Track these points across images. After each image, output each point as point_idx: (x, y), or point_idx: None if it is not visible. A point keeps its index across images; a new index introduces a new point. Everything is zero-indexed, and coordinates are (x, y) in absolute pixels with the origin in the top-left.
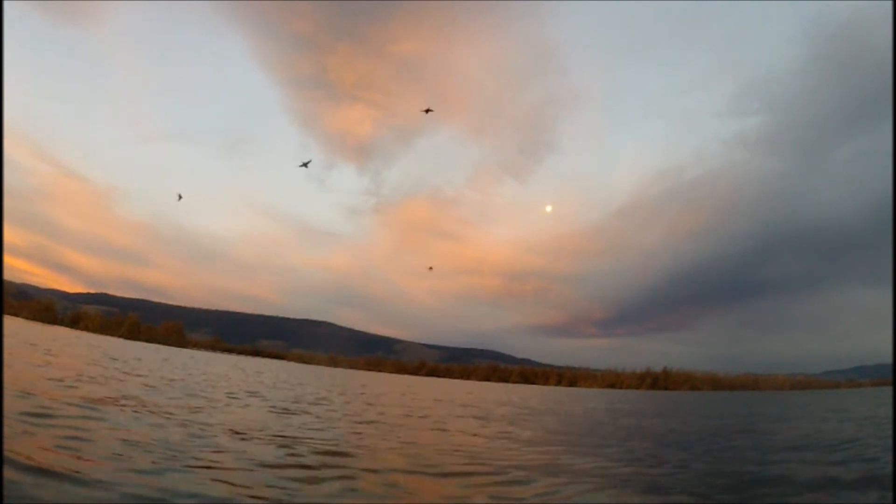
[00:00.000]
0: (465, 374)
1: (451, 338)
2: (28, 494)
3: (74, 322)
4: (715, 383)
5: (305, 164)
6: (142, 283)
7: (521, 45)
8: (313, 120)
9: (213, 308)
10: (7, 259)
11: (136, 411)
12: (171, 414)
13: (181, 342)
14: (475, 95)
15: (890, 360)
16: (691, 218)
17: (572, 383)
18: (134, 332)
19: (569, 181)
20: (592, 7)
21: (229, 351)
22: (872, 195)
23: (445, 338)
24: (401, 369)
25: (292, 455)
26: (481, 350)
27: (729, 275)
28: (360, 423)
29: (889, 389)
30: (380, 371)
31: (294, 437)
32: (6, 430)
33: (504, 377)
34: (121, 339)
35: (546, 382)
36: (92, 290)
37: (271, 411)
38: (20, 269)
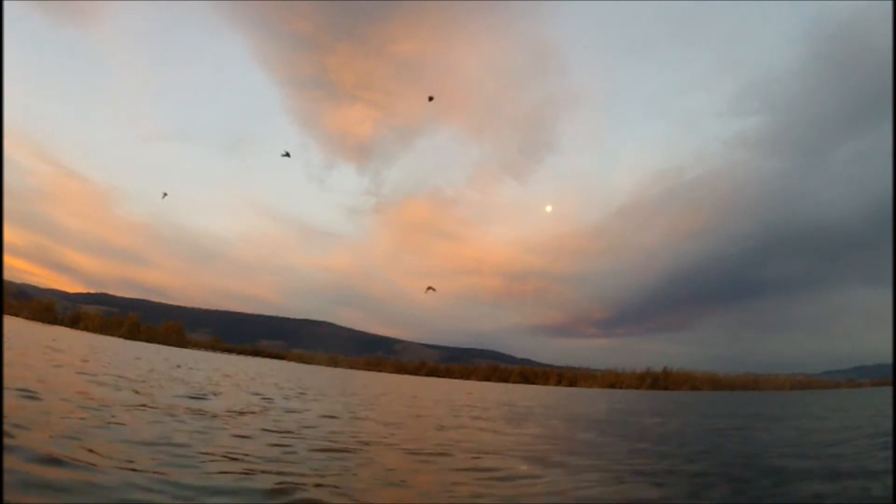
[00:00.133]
0: (465, 374)
1: (451, 338)
2: (28, 494)
3: (74, 322)
4: (715, 383)
5: (287, 154)
6: (142, 283)
7: (521, 45)
8: (313, 120)
9: (213, 308)
10: (7, 259)
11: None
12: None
13: (181, 342)
14: (475, 95)
15: (890, 360)
16: (691, 218)
17: (572, 383)
18: (134, 332)
19: (569, 181)
20: (592, 7)
21: (229, 351)
22: (872, 195)
23: (445, 338)
24: (401, 369)
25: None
26: (481, 350)
27: (729, 275)
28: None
29: (889, 389)
30: (380, 371)
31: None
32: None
33: (504, 377)
34: (121, 339)
35: (546, 382)
36: (92, 290)
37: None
38: (20, 269)
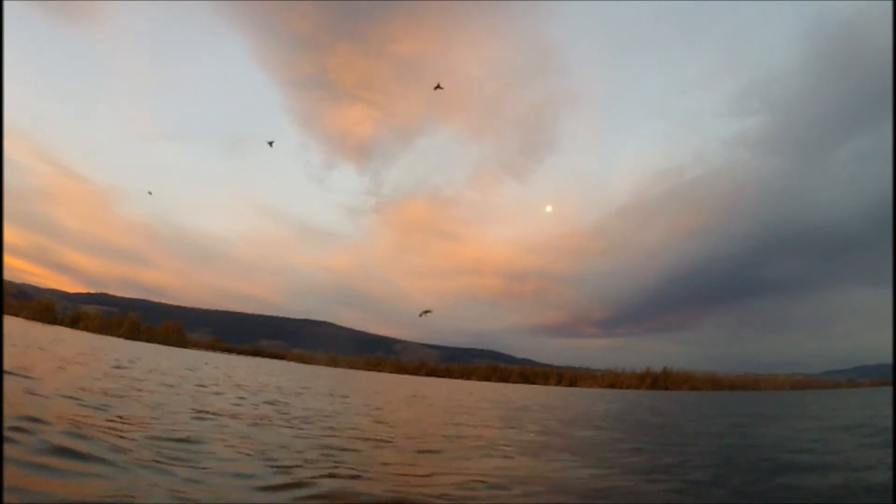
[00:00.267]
0: (466, 375)
1: (451, 338)
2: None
3: (74, 322)
4: (715, 383)
5: (270, 144)
6: (142, 283)
7: (521, 45)
8: (313, 120)
9: (213, 308)
10: (7, 259)
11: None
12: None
13: (181, 342)
14: (475, 95)
15: (890, 360)
16: (691, 218)
17: (572, 383)
18: (134, 332)
19: (569, 181)
20: (592, 7)
21: (229, 351)
22: (872, 195)
23: (445, 338)
24: (401, 369)
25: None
26: (481, 350)
27: (729, 275)
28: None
29: (889, 389)
30: (379, 371)
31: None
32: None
33: (504, 377)
34: (121, 339)
35: (546, 382)
36: (92, 290)
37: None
38: (20, 269)
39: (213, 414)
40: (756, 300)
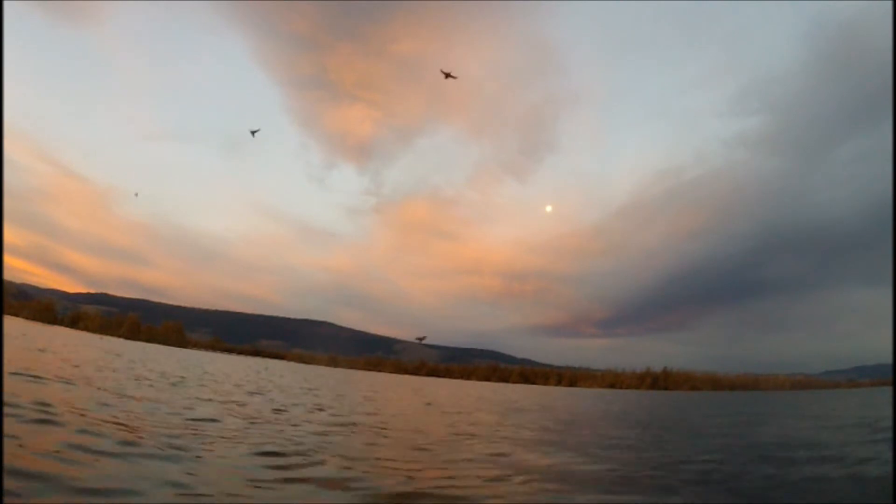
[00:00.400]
0: (466, 374)
1: (451, 338)
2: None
3: (74, 322)
4: (715, 383)
5: (253, 133)
6: (142, 283)
7: (521, 45)
8: (313, 120)
9: (213, 308)
10: (7, 259)
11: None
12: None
13: (181, 342)
14: (475, 95)
15: (890, 360)
16: (691, 218)
17: (572, 383)
18: (134, 332)
19: (569, 181)
20: (592, 7)
21: (229, 351)
22: (872, 195)
23: (445, 338)
24: (401, 369)
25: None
26: (481, 350)
27: (729, 275)
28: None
29: (889, 389)
30: (380, 371)
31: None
32: None
33: (504, 377)
34: (121, 339)
35: (546, 382)
36: (92, 290)
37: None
38: (20, 269)
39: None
40: (756, 300)
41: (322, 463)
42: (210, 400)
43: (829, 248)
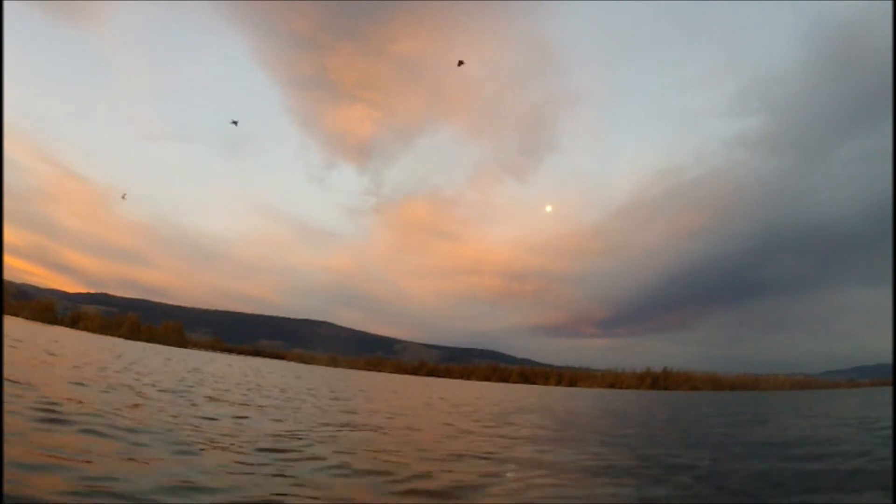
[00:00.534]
0: (466, 374)
1: (451, 338)
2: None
3: (74, 322)
4: (715, 383)
5: (235, 123)
6: (142, 283)
7: (521, 45)
8: (313, 120)
9: (213, 308)
10: (7, 259)
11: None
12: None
13: (181, 342)
14: (475, 95)
15: (890, 360)
16: (691, 218)
17: (572, 383)
18: (134, 332)
19: (569, 181)
20: (592, 7)
21: (229, 351)
22: (872, 195)
23: (445, 338)
24: (401, 369)
25: None
26: (481, 350)
27: (729, 275)
28: None
29: (889, 389)
30: (379, 371)
31: None
32: None
33: (504, 377)
34: (121, 339)
35: (546, 382)
36: (92, 290)
37: None
38: (20, 269)
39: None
40: (756, 300)
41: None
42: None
43: (829, 248)
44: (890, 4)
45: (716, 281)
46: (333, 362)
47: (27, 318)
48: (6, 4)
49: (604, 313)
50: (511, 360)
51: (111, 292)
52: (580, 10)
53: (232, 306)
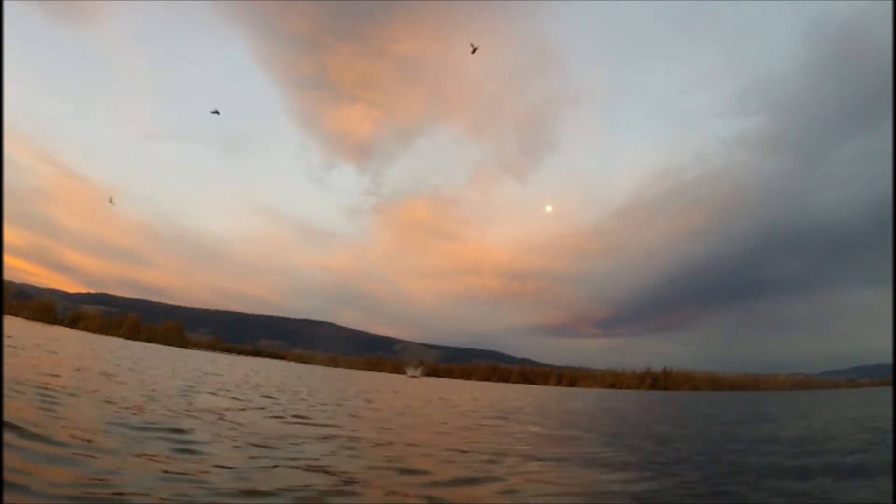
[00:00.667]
0: (465, 374)
1: (451, 338)
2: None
3: (74, 322)
4: (715, 383)
5: (216, 112)
6: (142, 283)
7: (521, 45)
8: (313, 120)
9: (213, 308)
10: (7, 259)
11: None
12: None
13: (181, 342)
14: (475, 95)
15: (890, 360)
16: (691, 218)
17: (572, 383)
18: (134, 332)
19: (569, 181)
20: (592, 7)
21: (229, 351)
22: (872, 195)
23: (445, 338)
24: (400, 369)
25: None
26: (481, 350)
27: (729, 275)
28: None
29: (889, 389)
30: (379, 371)
31: None
32: None
33: (504, 377)
34: (121, 339)
35: (546, 382)
36: (92, 290)
37: None
38: (20, 269)
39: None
40: (756, 300)
41: None
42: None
43: (829, 248)
44: (890, 4)
45: (716, 281)
46: (333, 362)
47: (27, 318)
48: (6, 4)
49: (604, 313)
50: (511, 360)
51: (111, 292)
52: (580, 10)
53: (232, 306)
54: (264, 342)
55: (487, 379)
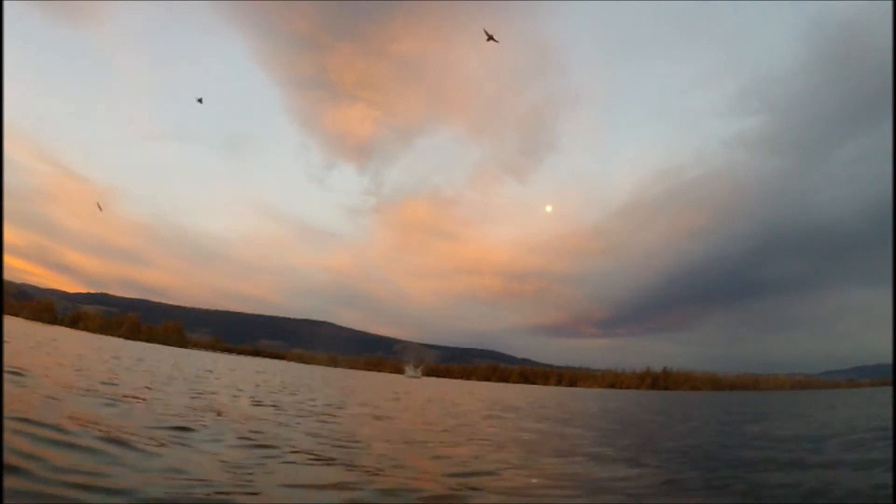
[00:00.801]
0: (465, 374)
1: (451, 338)
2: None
3: (74, 322)
4: (715, 383)
5: (199, 101)
6: (142, 283)
7: (521, 45)
8: (313, 120)
9: (213, 308)
10: (7, 259)
11: None
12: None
13: (181, 342)
14: (475, 95)
15: (890, 360)
16: (691, 218)
17: (572, 383)
18: (134, 332)
19: (569, 181)
20: (592, 7)
21: (229, 351)
22: (872, 195)
23: (445, 338)
24: (400, 370)
25: None
26: (481, 350)
27: (729, 275)
28: None
29: (889, 389)
30: (379, 371)
31: None
32: None
33: (504, 377)
34: (121, 340)
35: (546, 382)
36: (92, 290)
37: None
38: (20, 269)
39: None
40: (756, 300)
41: None
42: None
43: (829, 248)
44: (890, 4)
45: (716, 281)
46: (333, 362)
47: (27, 318)
48: (6, 4)
49: (604, 313)
50: (511, 360)
51: (111, 292)
52: (580, 10)
53: (232, 306)
54: (264, 342)
55: (487, 379)
